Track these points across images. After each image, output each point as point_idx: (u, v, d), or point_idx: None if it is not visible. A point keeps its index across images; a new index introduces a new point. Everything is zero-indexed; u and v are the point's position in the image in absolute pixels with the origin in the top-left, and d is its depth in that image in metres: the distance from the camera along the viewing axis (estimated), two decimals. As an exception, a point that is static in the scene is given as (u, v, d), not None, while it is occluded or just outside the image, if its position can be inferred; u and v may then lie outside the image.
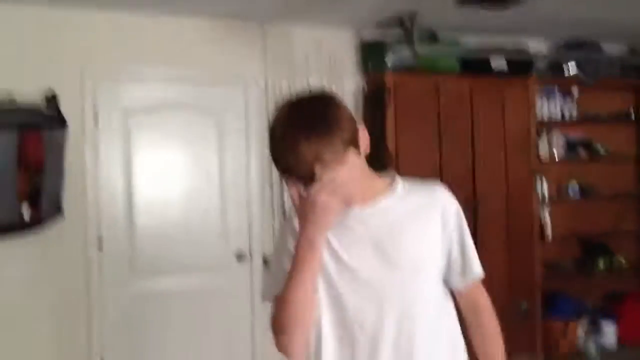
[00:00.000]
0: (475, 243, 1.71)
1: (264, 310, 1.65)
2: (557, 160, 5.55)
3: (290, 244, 1.59)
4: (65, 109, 4.07)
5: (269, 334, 1.60)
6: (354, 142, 1.52)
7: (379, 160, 4.98)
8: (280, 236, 1.70)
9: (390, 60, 4.72)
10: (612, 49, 5.67)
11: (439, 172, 4.74)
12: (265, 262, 4.57)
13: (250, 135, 4.68)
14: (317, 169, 1.46)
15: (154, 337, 4.48)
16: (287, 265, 1.55)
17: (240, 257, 4.64)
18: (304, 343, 1.59)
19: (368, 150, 1.59)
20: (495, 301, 1.68)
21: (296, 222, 1.56)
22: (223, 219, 4.64)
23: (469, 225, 1.70)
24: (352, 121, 1.54)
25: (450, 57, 4.95)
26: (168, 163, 4.52)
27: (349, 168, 1.50)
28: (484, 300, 1.77)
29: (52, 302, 4.20)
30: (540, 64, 5.37)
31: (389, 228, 1.61)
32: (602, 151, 5.74)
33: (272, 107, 4.57)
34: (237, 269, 4.65)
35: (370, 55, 4.86)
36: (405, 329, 1.59)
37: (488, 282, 1.69)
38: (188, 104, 4.56)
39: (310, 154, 1.45)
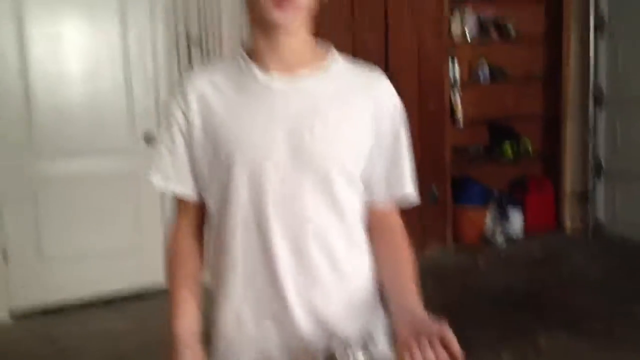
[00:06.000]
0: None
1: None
2: (469, 40, 5.46)
3: (179, 117, 1.33)
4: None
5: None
6: None
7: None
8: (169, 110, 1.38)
9: None
10: None
11: (352, 46, 4.58)
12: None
13: (156, 3, 4.33)
14: None
15: (59, 223, 4.23)
16: (177, 139, 1.34)
17: (148, 139, 4.36)
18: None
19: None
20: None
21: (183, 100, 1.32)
22: (129, 97, 4.34)
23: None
24: None
25: None
26: (65, 35, 4.15)
27: None
28: (401, 223, 1.39)
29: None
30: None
31: (312, 112, 1.25)
32: (512, 31, 5.64)
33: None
34: (146, 151, 4.36)
35: None
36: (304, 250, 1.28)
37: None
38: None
39: None
